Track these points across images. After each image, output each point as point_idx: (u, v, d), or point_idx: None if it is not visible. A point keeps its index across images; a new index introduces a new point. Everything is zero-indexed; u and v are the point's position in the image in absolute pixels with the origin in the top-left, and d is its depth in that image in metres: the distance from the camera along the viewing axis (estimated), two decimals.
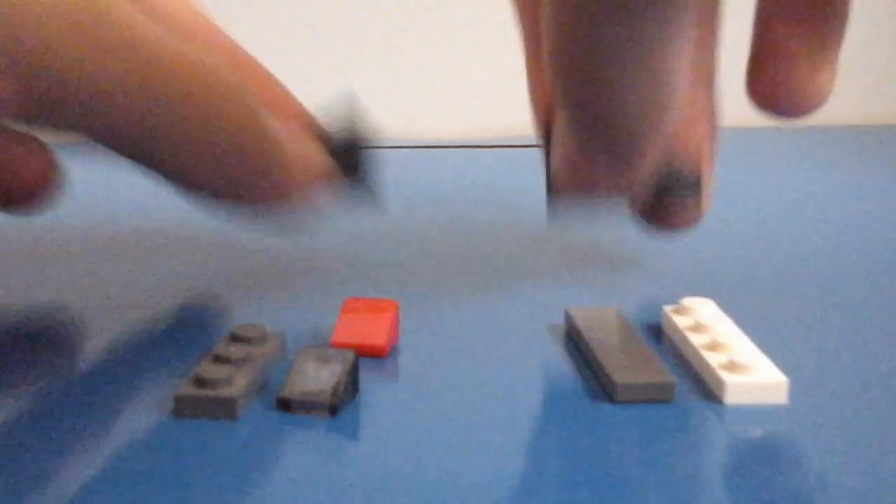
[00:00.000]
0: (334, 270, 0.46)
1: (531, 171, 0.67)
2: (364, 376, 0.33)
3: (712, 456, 0.29)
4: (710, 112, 0.30)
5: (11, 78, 0.21)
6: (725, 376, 0.32)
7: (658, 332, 0.38)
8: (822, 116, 0.89)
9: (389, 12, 0.85)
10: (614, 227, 0.52)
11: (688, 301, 0.38)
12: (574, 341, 0.37)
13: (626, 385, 0.32)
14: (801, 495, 0.27)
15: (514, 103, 0.88)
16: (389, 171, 0.66)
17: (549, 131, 0.26)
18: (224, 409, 0.30)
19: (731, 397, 0.32)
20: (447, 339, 0.37)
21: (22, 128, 0.23)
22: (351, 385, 0.31)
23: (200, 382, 0.31)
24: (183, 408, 0.31)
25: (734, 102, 0.88)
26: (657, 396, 0.32)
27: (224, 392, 0.31)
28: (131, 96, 0.23)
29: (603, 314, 0.37)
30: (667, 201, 0.28)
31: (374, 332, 0.35)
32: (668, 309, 0.38)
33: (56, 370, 0.34)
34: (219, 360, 0.32)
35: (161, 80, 0.23)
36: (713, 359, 0.33)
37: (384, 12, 0.85)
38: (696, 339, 0.35)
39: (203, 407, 0.30)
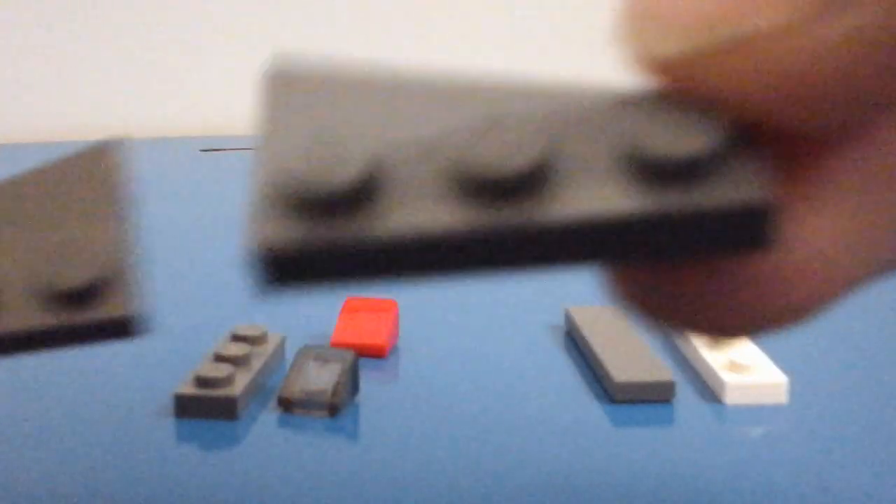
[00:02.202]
0: None
1: None
2: (364, 376, 0.33)
3: (712, 456, 0.29)
4: None
5: None
6: (725, 376, 0.32)
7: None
8: None
9: (388, 14, 0.86)
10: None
11: None
12: (574, 341, 0.37)
13: (625, 384, 0.32)
14: (801, 495, 0.27)
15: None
16: None
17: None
18: (224, 409, 0.30)
19: (731, 397, 0.32)
20: (447, 339, 0.37)
21: None
22: (351, 385, 0.31)
23: (200, 382, 0.31)
24: (183, 408, 0.31)
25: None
26: (657, 396, 0.32)
27: (224, 392, 0.31)
28: None
29: (603, 314, 0.37)
30: None
31: (374, 332, 0.35)
32: None
33: (57, 370, 0.34)
34: (219, 360, 0.32)
35: None
36: (713, 359, 0.33)
37: (382, 14, 0.85)
38: (697, 339, 0.35)
39: (203, 407, 0.30)
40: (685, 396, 0.32)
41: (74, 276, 0.17)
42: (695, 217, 0.14)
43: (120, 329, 0.17)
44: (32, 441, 0.29)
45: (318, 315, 0.39)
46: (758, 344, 0.35)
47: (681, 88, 0.14)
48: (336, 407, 0.31)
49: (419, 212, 0.14)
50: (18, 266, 0.18)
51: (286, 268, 0.14)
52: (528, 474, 0.28)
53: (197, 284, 0.43)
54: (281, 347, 0.35)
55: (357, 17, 0.85)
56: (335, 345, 0.35)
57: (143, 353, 0.36)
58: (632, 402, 0.32)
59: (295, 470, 0.28)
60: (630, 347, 0.34)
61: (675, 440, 0.30)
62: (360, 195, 0.14)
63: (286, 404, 0.31)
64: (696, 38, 0.14)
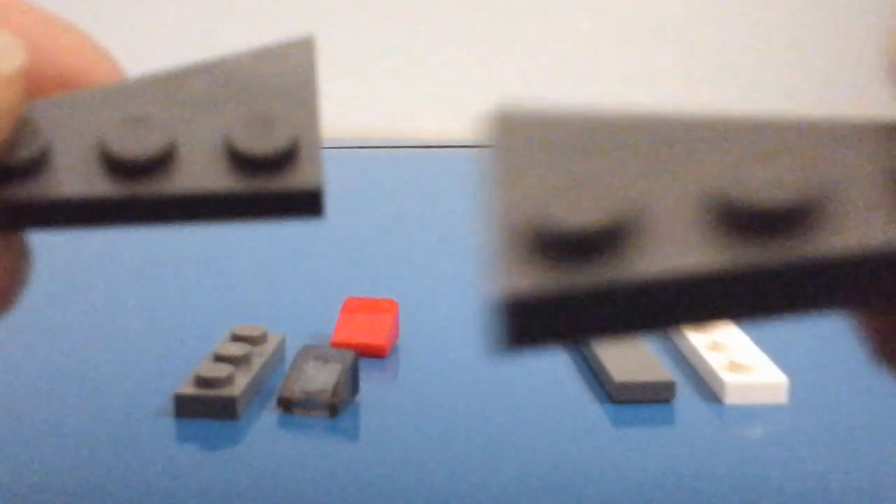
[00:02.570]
0: (334, 270, 0.46)
1: None
2: (364, 376, 0.33)
3: (712, 456, 0.29)
4: None
5: None
6: (725, 376, 0.32)
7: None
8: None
9: (391, 14, 0.85)
10: None
11: None
12: None
13: (625, 385, 0.32)
14: (801, 495, 0.27)
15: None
16: (389, 171, 0.66)
17: None
18: (224, 409, 0.30)
19: (731, 397, 0.32)
20: (447, 339, 0.37)
21: None
22: (351, 385, 0.31)
23: (200, 382, 0.31)
24: (183, 408, 0.31)
25: (736, 99, 0.88)
26: (657, 396, 0.32)
27: (224, 392, 0.31)
28: None
29: None
30: None
31: (374, 332, 0.35)
32: None
33: (57, 370, 0.34)
34: (219, 360, 0.32)
35: None
36: (713, 359, 0.33)
37: (385, 13, 0.85)
38: (696, 339, 0.35)
39: (203, 407, 0.30)
40: (685, 396, 0.32)
41: (263, 142, 0.17)
42: None
43: (304, 202, 0.17)
44: (33, 441, 0.29)
45: (318, 315, 0.39)
46: (758, 344, 0.35)
47: None
48: (336, 407, 0.31)
49: (677, 251, 0.12)
50: (206, 127, 0.17)
51: (533, 319, 0.12)
52: (529, 474, 0.28)
53: (197, 284, 0.43)
54: (281, 347, 0.35)
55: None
56: (335, 345, 0.35)
57: (143, 353, 0.36)
58: (632, 402, 0.32)
59: (295, 470, 0.28)
60: (630, 347, 0.34)
61: (675, 440, 0.30)
62: (613, 235, 0.12)
63: (286, 404, 0.31)
64: None
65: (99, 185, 0.17)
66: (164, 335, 0.37)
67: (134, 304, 0.41)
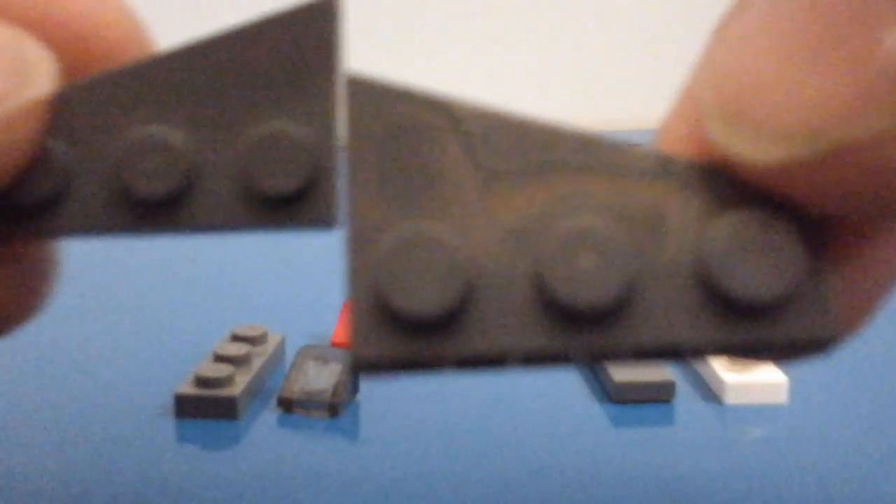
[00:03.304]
0: (334, 270, 0.46)
1: None
2: (364, 376, 0.33)
3: (712, 456, 0.29)
4: None
5: None
6: (725, 376, 0.32)
7: None
8: None
9: (392, 12, 0.86)
10: None
11: None
12: None
13: (625, 384, 0.32)
14: (801, 495, 0.27)
15: (514, 103, 0.88)
16: None
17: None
18: (224, 409, 0.30)
19: (731, 397, 0.32)
20: None
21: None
22: (351, 385, 0.31)
23: (200, 382, 0.31)
24: (183, 408, 0.31)
25: None
26: (656, 396, 0.32)
27: (224, 392, 0.31)
28: None
29: None
30: None
31: None
32: None
33: (57, 370, 0.34)
34: (219, 360, 0.32)
35: None
36: (713, 359, 0.33)
37: (386, 12, 0.85)
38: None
39: (203, 407, 0.30)
40: (685, 396, 0.32)
41: (280, 177, 0.16)
42: (768, 346, 0.15)
43: (316, 227, 0.17)
44: (33, 441, 0.29)
45: (318, 315, 0.39)
46: None
47: (769, 191, 0.14)
48: (336, 407, 0.31)
49: (506, 333, 0.14)
50: (222, 153, 0.17)
51: (379, 368, 0.15)
52: (528, 474, 0.28)
53: (197, 284, 0.43)
54: (281, 347, 0.35)
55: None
56: (335, 345, 0.35)
57: (143, 353, 0.36)
58: (632, 402, 0.32)
59: (295, 470, 0.28)
60: None
61: (675, 440, 0.30)
62: (451, 313, 0.14)
63: (286, 404, 0.31)
64: (795, 146, 0.13)
65: (114, 221, 0.17)
66: (164, 335, 0.37)
67: (134, 303, 0.41)
